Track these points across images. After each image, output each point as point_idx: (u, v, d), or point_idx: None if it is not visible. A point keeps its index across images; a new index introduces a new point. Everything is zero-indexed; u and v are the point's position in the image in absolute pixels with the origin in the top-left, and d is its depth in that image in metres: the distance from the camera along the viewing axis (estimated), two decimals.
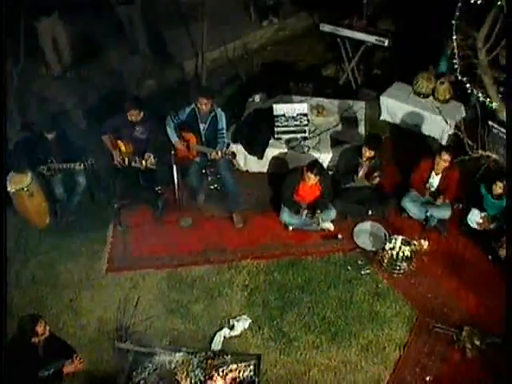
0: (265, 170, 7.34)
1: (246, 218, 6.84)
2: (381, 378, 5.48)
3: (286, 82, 7.97)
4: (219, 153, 6.40)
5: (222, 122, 6.56)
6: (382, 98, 7.83)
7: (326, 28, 7.98)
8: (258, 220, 6.88)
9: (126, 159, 6.58)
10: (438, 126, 7.47)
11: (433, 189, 6.56)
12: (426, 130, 7.62)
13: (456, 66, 5.28)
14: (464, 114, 7.57)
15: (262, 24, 8.92)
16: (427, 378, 5.44)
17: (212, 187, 7.07)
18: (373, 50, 8.28)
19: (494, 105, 5.34)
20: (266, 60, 8.74)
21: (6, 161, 6.06)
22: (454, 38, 5.26)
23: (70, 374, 5.08)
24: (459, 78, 5.32)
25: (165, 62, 8.29)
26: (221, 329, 5.86)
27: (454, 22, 5.30)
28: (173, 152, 6.52)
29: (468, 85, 5.28)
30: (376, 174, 6.49)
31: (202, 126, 6.56)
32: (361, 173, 6.54)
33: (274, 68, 8.51)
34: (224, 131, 6.59)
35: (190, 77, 8.39)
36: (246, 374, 5.34)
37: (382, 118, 7.91)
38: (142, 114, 6.44)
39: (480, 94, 5.23)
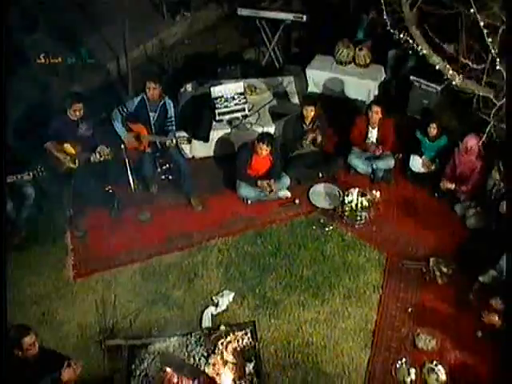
0: (211, 153, 7.46)
1: (203, 201, 6.92)
2: (368, 319, 5.80)
3: (212, 68, 8.15)
4: (174, 140, 6.46)
5: (171, 111, 6.67)
6: (307, 71, 8.20)
7: (244, 12, 8.27)
8: (215, 201, 6.98)
9: (77, 161, 6.44)
10: (363, 88, 7.99)
11: (372, 140, 7.02)
12: (353, 94, 8.09)
13: (387, 21, 5.73)
14: (384, 76, 8.17)
15: (175, 20, 9.04)
16: (409, 310, 5.83)
17: (163, 177, 7.08)
18: (289, 30, 8.68)
19: (424, 51, 5.85)
20: (186, 53, 8.86)
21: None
22: None
23: (69, 382, 4.90)
24: (391, 31, 5.77)
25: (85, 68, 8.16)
26: (206, 308, 5.89)
27: None
28: (123, 146, 6.49)
29: (401, 35, 5.74)
30: (318, 136, 6.92)
31: (152, 115, 6.61)
32: (309, 137, 6.88)
33: (196, 59, 8.67)
34: (173, 119, 6.68)
35: (115, 78, 8.35)
36: (244, 341, 5.44)
37: (309, 90, 8.25)
38: (83, 110, 6.35)
39: (414, 44, 5.71)
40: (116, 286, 6.14)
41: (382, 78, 8.11)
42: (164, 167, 7.04)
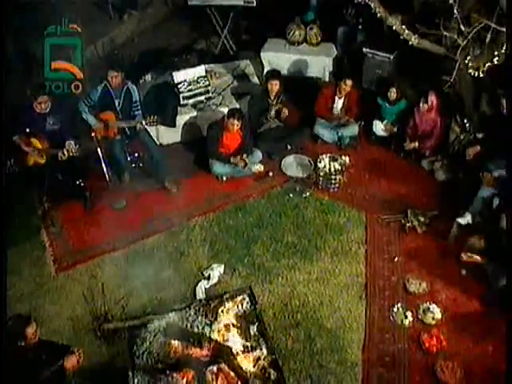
0: (178, 139, 7.48)
1: (177, 184, 6.90)
2: (358, 272, 5.95)
3: (167, 61, 8.20)
4: (143, 122, 6.45)
5: (136, 95, 6.68)
6: (262, 54, 8.39)
7: (194, 2, 8.36)
8: (189, 183, 7.00)
9: (44, 156, 6.31)
10: (317, 66, 8.25)
11: (337, 112, 7.28)
12: (309, 72, 8.34)
13: None
14: (336, 52, 8.45)
15: (122, 19, 9.04)
16: (395, 259, 6.03)
17: (134, 165, 7.04)
18: (238, 18, 8.87)
19: (381, 14, 6.16)
20: (138, 50, 8.83)
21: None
22: None
23: (71, 370, 4.65)
24: None
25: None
26: (198, 282, 5.88)
27: None
28: (93, 134, 6.41)
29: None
30: (284, 109, 7.11)
31: (117, 102, 6.59)
32: (273, 110, 7.07)
33: (149, 54, 8.66)
34: (138, 103, 6.67)
35: None
36: (244, 306, 5.39)
37: (265, 72, 8.35)
38: (49, 102, 6.26)
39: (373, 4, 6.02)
40: (102, 275, 6.01)
41: (334, 55, 8.39)
42: (133, 156, 7.02)
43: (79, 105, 6.50)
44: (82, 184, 6.59)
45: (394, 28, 6.21)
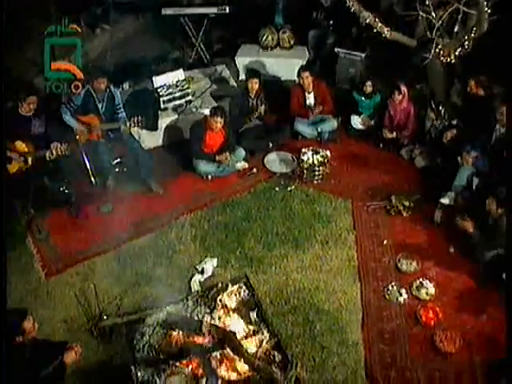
0: (160, 142, 7.53)
1: (163, 185, 6.91)
2: (350, 256, 6.05)
3: (143, 69, 8.28)
4: (128, 124, 6.48)
5: (118, 98, 6.72)
6: (236, 59, 8.57)
7: (168, 11, 8.51)
8: (174, 184, 7.03)
9: (30, 159, 6.25)
10: (291, 69, 8.35)
11: (311, 104, 7.46)
12: (283, 75, 8.54)
13: None
14: (308, 55, 8.70)
15: (95, 33, 9.09)
16: (384, 242, 6.17)
17: (117, 170, 7.02)
18: (210, 27, 9.02)
19: (355, 8, 6.41)
20: (111, 64, 8.84)
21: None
22: None
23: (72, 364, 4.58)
24: None
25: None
26: (192, 277, 5.86)
27: None
28: (77, 137, 6.40)
29: None
30: (263, 106, 7.30)
31: (100, 105, 6.60)
32: (259, 109, 7.24)
33: (124, 66, 8.71)
34: (121, 106, 6.71)
35: (43, 93, 8.17)
36: (242, 294, 5.43)
37: (240, 78, 8.56)
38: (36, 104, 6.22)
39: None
40: (93, 276, 5.92)
41: (307, 58, 8.63)
42: (116, 161, 7.02)
43: (61, 109, 6.48)
44: (67, 190, 6.55)
45: (367, 21, 6.47)
